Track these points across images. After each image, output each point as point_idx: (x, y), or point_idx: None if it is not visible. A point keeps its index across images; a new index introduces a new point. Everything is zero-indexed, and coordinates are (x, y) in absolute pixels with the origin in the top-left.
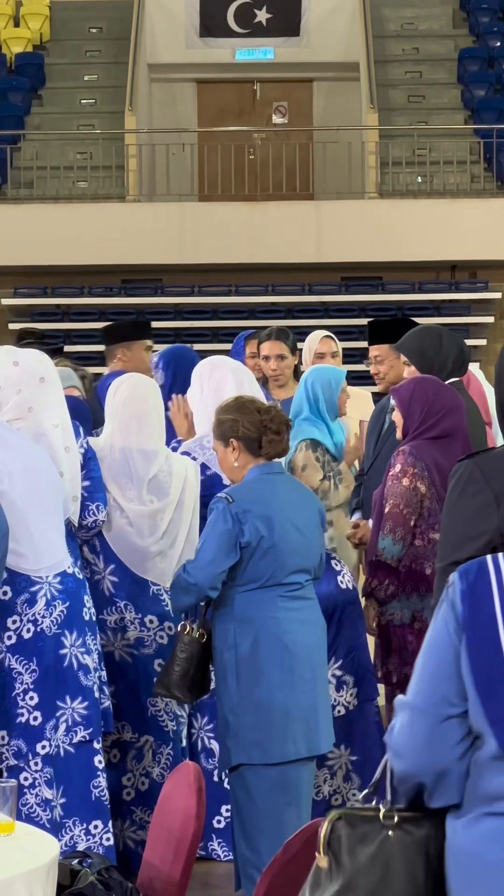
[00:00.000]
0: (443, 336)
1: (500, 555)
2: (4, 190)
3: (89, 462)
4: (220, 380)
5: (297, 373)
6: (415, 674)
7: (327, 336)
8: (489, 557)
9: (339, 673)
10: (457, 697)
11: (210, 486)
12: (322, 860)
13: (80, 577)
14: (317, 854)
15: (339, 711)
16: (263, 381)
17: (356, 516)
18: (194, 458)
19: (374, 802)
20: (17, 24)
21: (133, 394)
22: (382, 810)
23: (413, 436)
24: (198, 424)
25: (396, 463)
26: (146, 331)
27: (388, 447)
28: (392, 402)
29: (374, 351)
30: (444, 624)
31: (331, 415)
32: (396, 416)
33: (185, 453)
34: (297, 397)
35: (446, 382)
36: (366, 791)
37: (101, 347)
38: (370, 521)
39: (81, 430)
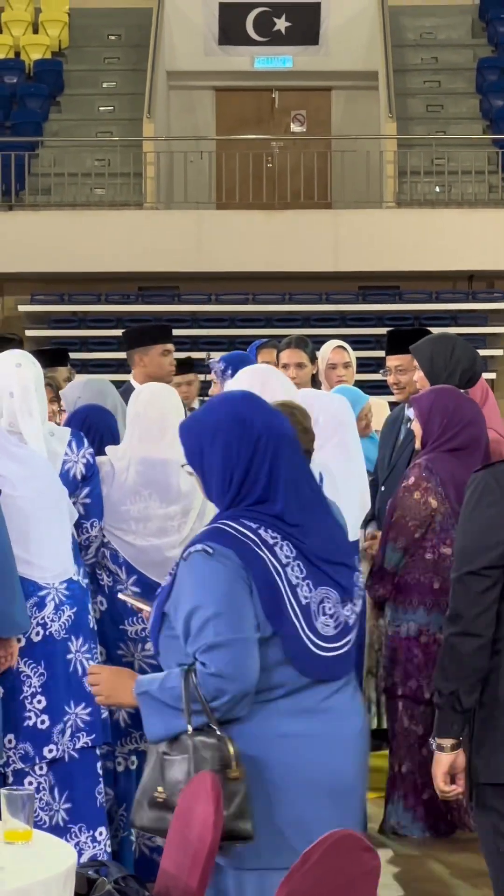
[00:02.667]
0: (456, 346)
1: (230, 522)
2: (22, 196)
3: (92, 479)
4: (270, 397)
5: (314, 382)
6: (214, 618)
7: (340, 346)
8: (224, 525)
9: None
10: (256, 627)
11: None
12: (237, 772)
13: (85, 585)
14: (229, 770)
15: None
16: None
17: (372, 527)
18: None
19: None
20: (35, 31)
21: (154, 402)
22: (218, 731)
23: (432, 447)
24: None
25: (411, 475)
26: (163, 335)
27: (403, 459)
28: (408, 412)
29: (396, 361)
30: (230, 578)
31: None
32: (416, 427)
33: None
34: None
35: None
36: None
37: (117, 355)
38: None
39: (86, 441)
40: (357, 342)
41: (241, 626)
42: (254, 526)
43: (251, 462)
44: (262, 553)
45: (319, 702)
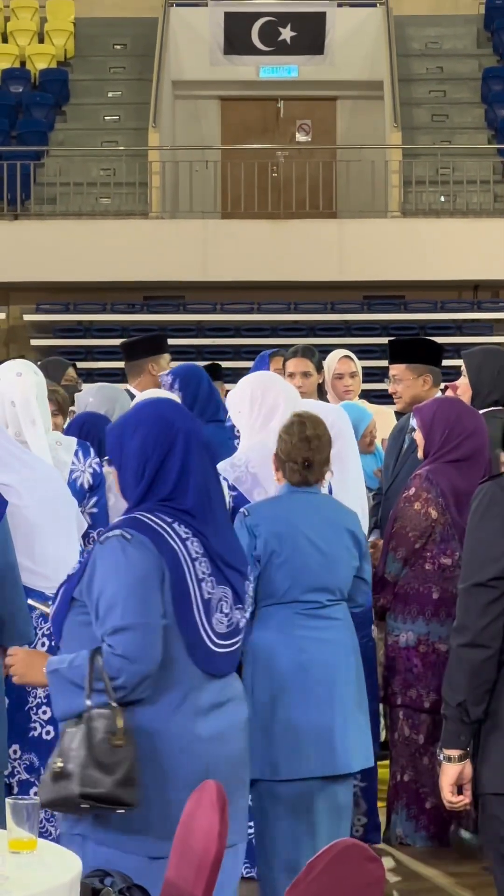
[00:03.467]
0: None
1: (147, 514)
2: (28, 205)
3: (98, 488)
4: (272, 404)
5: (320, 391)
6: (123, 601)
7: (346, 356)
8: (141, 515)
9: None
10: (162, 614)
11: (236, 505)
12: (121, 740)
13: None
14: (113, 737)
15: None
16: None
17: (374, 536)
18: (224, 479)
19: (91, 703)
20: (41, 41)
21: None
22: (113, 704)
23: (433, 458)
24: (245, 446)
25: (412, 486)
26: (166, 344)
27: (407, 467)
28: (413, 421)
29: (393, 370)
30: (145, 564)
31: None
32: (418, 437)
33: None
34: None
35: (489, 409)
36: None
37: (122, 364)
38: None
39: (92, 450)
40: (362, 352)
41: (148, 611)
42: (168, 520)
43: (166, 457)
44: (175, 545)
45: (218, 694)
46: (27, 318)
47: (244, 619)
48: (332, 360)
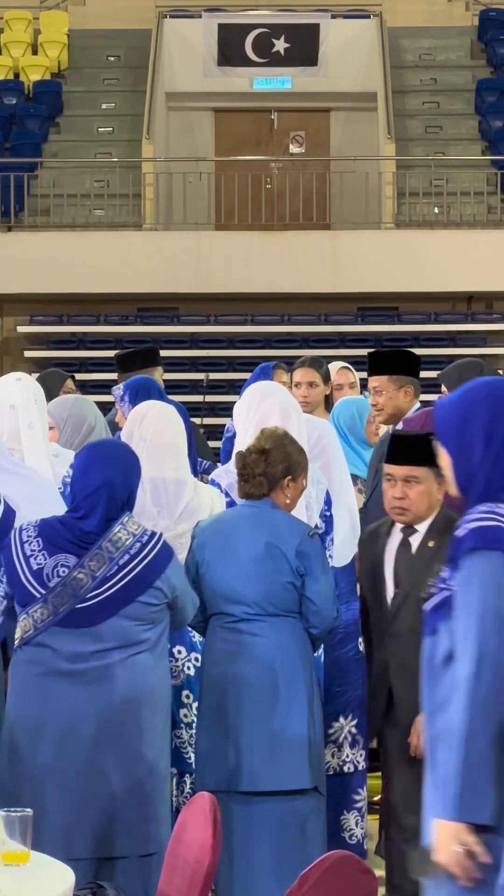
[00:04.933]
0: (484, 372)
1: None
2: (21, 217)
3: None
4: (265, 412)
5: (328, 402)
6: None
7: (344, 367)
8: None
9: (354, 731)
10: None
11: None
12: None
13: None
14: None
15: (349, 768)
16: None
17: None
18: (218, 485)
19: None
20: (35, 52)
21: (164, 423)
22: None
23: None
24: (237, 447)
25: None
26: (159, 356)
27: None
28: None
29: (373, 382)
30: None
31: (360, 446)
32: None
33: (213, 480)
34: None
35: None
36: None
37: (116, 376)
38: None
39: None
40: (355, 363)
41: None
42: None
43: None
44: None
45: None
46: (21, 329)
47: None
48: (331, 372)
